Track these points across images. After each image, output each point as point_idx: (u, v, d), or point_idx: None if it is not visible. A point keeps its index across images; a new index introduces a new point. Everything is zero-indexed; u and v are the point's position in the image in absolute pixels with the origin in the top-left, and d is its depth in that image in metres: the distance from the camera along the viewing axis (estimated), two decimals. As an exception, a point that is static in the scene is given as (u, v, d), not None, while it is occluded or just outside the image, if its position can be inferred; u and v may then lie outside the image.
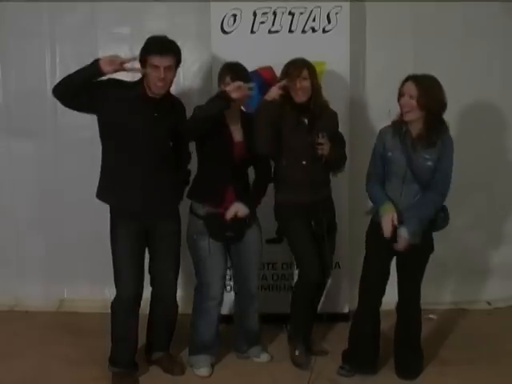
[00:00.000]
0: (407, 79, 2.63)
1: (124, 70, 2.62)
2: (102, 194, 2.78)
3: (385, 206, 2.68)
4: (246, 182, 2.94)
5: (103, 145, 2.76)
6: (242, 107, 2.94)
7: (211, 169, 2.85)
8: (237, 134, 2.83)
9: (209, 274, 2.86)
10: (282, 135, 2.86)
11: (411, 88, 2.59)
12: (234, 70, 2.77)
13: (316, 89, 2.87)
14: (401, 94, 2.63)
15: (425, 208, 2.66)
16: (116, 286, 2.78)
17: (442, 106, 2.62)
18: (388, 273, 2.83)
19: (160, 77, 2.61)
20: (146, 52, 2.64)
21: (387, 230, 2.64)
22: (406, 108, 2.60)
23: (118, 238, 2.75)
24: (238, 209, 2.80)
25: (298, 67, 2.82)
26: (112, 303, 2.81)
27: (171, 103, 2.78)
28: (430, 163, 2.64)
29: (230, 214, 2.79)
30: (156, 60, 2.60)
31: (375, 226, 2.75)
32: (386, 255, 2.79)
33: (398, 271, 2.85)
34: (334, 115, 2.99)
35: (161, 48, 2.61)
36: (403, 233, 2.62)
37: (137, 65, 2.64)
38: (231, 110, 2.76)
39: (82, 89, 2.59)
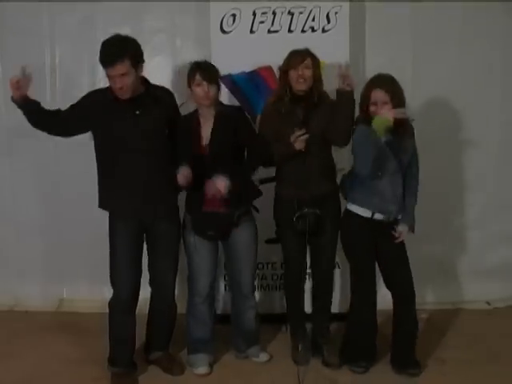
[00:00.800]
0: (375, 86, 2.69)
1: (22, 87, 2.57)
2: (102, 202, 2.79)
3: (376, 118, 2.63)
4: (239, 181, 2.81)
5: (96, 154, 2.75)
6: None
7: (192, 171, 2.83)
8: (207, 134, 2.79)
9: (195, 269, 2.88)
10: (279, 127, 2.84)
11: (381, 95, 2.67)
12: (203, 69, 2.73)
13: (317, 80, 2.85)
14: (373, 103, 2.68)
15: (414, 197, 2.87)
16: (113, 286, 2.78)
17: (404, 99, 2.74)
18: (375, 271, 2.91)
19: (117, 86, 2.57)
20: (100, 62, 2.58)
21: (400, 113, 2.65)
22: None
23: (116, 237, 2.74)
24: (214, 185, 2.70)
25: (302, 55, 2.82)
26: (109, 303, 2.81)
27: (153, 97, 2.70)
28: (410, 151, 2.80)
29: (209, 192, 2.73)
30: (107, 70, 2.56)
31: (356, 223, 2.83)
32: (372, 250, 2.87)
33: (385, 268, 2.90)
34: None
35: (106, 60, 2.54)
36: (402, 228, 2.84)
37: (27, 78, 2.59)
38: (203, 112, 2.79)
39: (41, 121, 2.68)
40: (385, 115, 2.62)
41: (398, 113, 2.63)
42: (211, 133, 2.79)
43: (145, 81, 2.72)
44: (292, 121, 2.82)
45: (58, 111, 2.72)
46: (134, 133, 2.66)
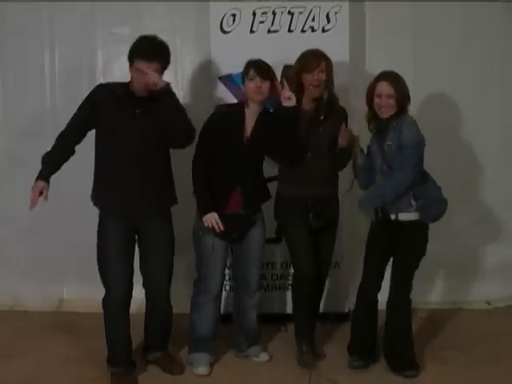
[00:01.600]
0: (379, 79, 2.73)
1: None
2: (93, 195, 2.79)
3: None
4: (258, 184, 2.90)
5: (96, 147, 2.76)
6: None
7: (217, 169, 2.83)
8: (248, 129, 2.81)
9: (210, 269, 2.86)
10: None
11: (387, 88, 2.69)
12: (257, 65, 2.76)
13: (330, 83, 2.85)
14: (377, 95, 2.71)
15: (384, 187, 2.76)
16: (104, 285, 2.76)
17: (409, 98, 2.75)
18: (383, 270, 2.90)
19: (144, 81, 2.59)
20: (132, 53, 2.62)
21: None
22: (386, 108, 2.70)
23: (106, 236, 2.72)
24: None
25: (317, 59, 2.81)
26: (102, 303, 2.80)
27: (156, 102, 2.68)
28: (394, 146, 2.72)
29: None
30: (141, 64, 2.58)
31: (373, 225, 2.85)
32: (383, 253, 2.85)
33: (392, 267, 2.89)
34: (344, 111, 2.97)
35: (147, 53, 2.58)
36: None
37: None
38: (250, 107, 2.80)
39: (63, 157, 2.76)
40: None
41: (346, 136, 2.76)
42: (252, 129, 2.81)
43: None
44: (312, 121, 2.83)
45: (62, 138, 2.76)
46: (132, 131, 2.66)
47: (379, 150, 2.77)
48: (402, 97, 2.70)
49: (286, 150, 2.84)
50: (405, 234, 2.78)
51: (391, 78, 2.71)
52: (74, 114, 2.75)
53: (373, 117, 2.79)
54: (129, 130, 2.66)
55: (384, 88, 2.69)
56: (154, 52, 2.61)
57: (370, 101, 2.77)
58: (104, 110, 2.67)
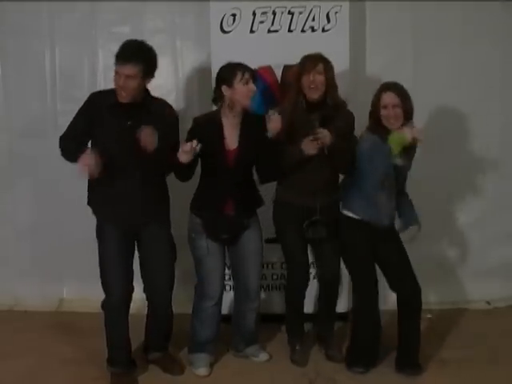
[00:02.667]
0: (384, 90, 2.70)
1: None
2: (89, 202, 2.80)
3: (393, 135, 2.60)
4: (250, 192, 2.88)
5: None
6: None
7: (208, 179, 2.83)
8: (233, 140, 2.76)
9: (206, 273, 2.85)
10: (293, 134, 2.79)
11: (393, 98, 2.67)
12: (248, 68, 2.70)
13: (331, 86, 2.81)
14: (384, 106, 2.68)
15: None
16: (103, 288, 2.76)
17: (413, 107, 2.72)
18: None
19: (119, 84, 2.57)
20: (115, 57, 2.59)
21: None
22: (395, 118, 2.67)
23: (104, 239, 2.72)
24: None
25: (313, 60, 2.79)
26: (102, 306, 2.80)
27: (149, 110, 2.67)
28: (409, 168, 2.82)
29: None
30: (117, 67, 2.55)
31: (351, 225, 2.84)
32: (370, 251, 2.85)
33: (388, 273, 2.89)
34: (350, 116, 2.91)
35: (122, 56, 2.55)
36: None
37: None
38: (229, 116, 2.74)
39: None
40: (402, 133, 2.58)
41: (417, 132, 2.58)
42: (240, 137, 2.75)
43: (146, 92, 2.70)
44: (308, 130, 2.76)
45: (65, 141, 2.73)
46: (124, 142, 2.63)
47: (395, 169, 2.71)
48: (409, 106, 2.67)
49: (267, 169, 2.83)
50: (391, 232, 2.86)
51: (395, 87, 2.69)
52: (71, 123, 2.73)
53: (376, 131, 2.71)
54: (121, 141, 2.63)
55: (389, 98, 2.66)
56: (129, 54, 2.54)
57: (375, 113, 2.72)
58: (97, 120, 2.65)
